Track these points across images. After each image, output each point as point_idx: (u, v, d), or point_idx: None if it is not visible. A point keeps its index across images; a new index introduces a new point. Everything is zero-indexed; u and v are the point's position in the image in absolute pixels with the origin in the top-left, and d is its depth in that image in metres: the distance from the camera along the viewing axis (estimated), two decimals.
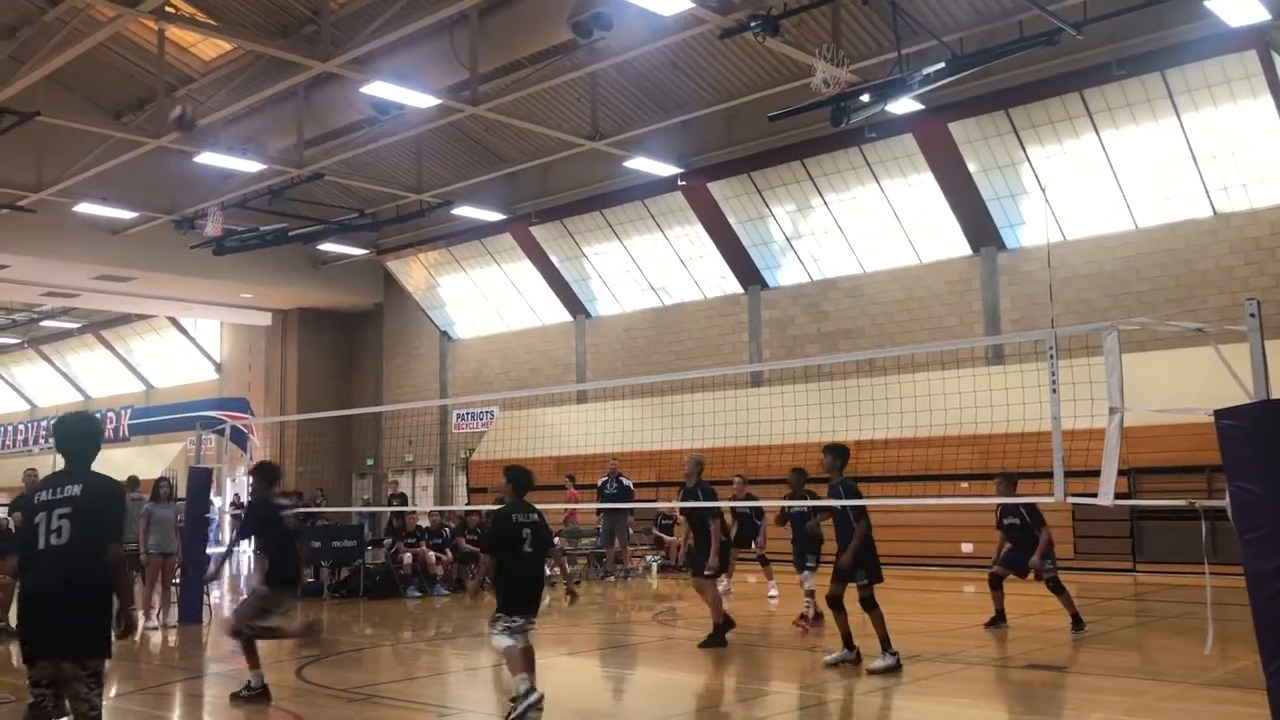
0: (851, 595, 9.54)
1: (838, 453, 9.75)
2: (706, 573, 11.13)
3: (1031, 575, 11.78)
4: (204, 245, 25.05)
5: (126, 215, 26.25)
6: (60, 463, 5.37)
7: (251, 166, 22.64)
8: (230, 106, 20.88)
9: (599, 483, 19.43)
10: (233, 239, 24.62)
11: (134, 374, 43.48)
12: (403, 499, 21.66)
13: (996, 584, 12.13)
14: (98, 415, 5.10)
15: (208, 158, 21.60)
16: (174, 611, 13.70)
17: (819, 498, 11.46)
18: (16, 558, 6.13)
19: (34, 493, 5.22)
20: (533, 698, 7.42)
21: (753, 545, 15.90)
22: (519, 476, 8.01)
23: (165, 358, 41.82)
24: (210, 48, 23.42)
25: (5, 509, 14.66)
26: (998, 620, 12.06)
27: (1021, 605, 13.08)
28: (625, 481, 19.37)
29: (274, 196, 23.28)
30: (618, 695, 9.56)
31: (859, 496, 9.49)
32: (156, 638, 12.64)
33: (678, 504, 12.48)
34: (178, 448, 34.66)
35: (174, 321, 39.53)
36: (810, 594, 12.26)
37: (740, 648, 11.12)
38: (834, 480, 9.72)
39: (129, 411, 39.01)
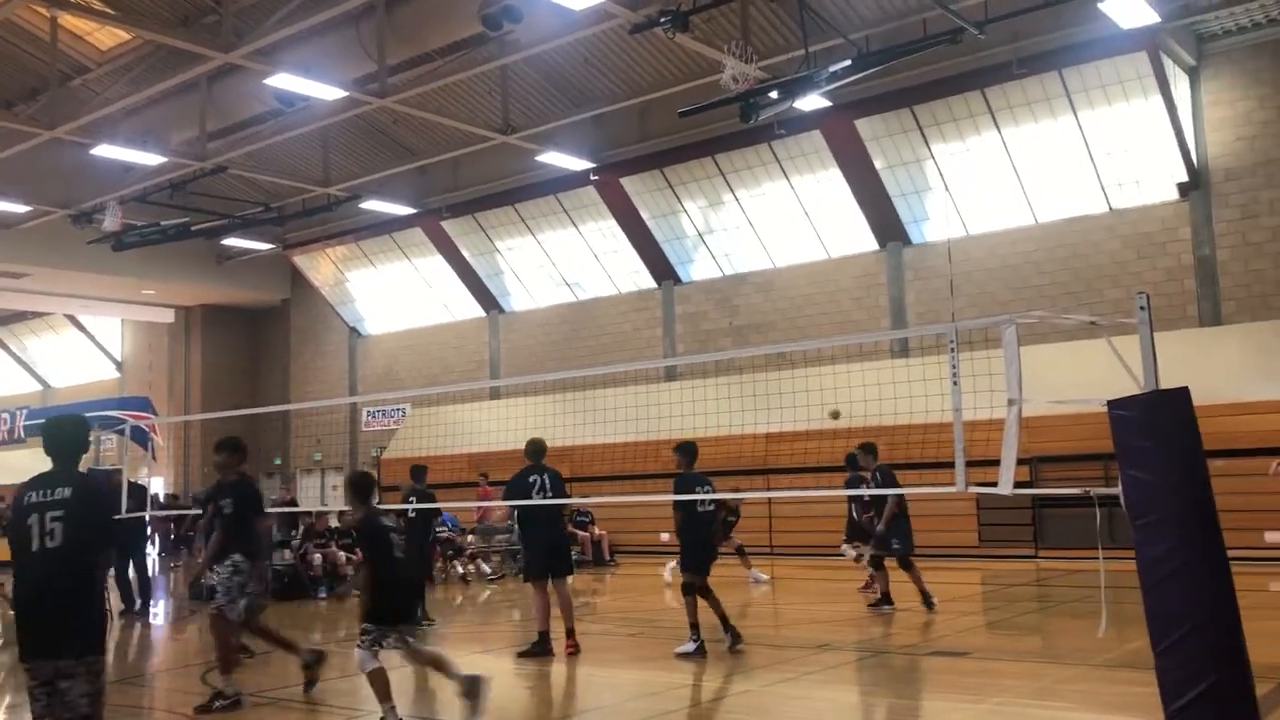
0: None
1: (686, 450, 10.32)
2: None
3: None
4: (102, 240, 24.30)
5: (19, 209, 25.36)
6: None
7: (152, 159, 22.06)
8: (129, 97, 20.29)
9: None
10: (132, 234, 23.92)
11: (30, 373, 42.03)
12: (292, 503, 21.39)
13: (879, 565, 12.78)
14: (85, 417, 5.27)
15: (105, 150, 20.97)
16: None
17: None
18: None
19: (23, 494, 5.14)
20: None
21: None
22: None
23: (63, 356, 40.51)
24: (107, 36, 22.73)
25: None
26: (885, 600, 12.64)
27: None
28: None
29: (175, 190, 22.69)
30: (527, 693, 9.54)
31: (689, 492, 10.06)
32: None
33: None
34: None
35: (72, 319, 38.30)
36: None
37: (656, 640, 11.17)
38: (685, 474, 10.26)
39: (25, 412, 37.60)
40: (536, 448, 10.41)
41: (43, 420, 5.07)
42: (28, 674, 5.07)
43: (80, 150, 22.16)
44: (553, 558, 10.32)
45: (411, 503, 13.30)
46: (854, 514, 14.77)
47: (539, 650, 10.09)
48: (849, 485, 14.24)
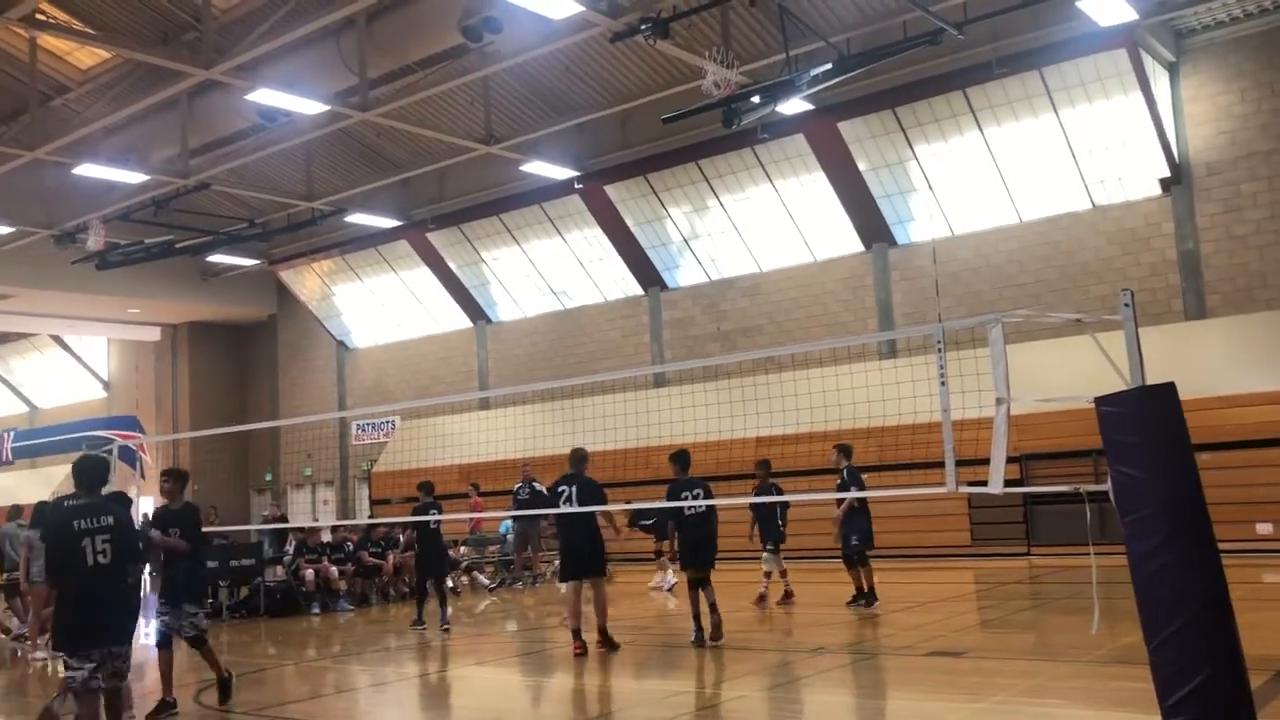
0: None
1: (676, 458, 11.22)
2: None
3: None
4: (86, 260, 24.21)
5: (2, 230, 25.24)
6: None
7: (134, 177, 21.98)
8: (110, 116, 20.20)
9: (515, 488, 19.19)
10: (116, 253, 23.83)
11: (16, 395, 41.81)
12: (282, 519, 21.40)
13: (853, 563, 13.17)
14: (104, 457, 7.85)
15: (87, 169, 20.89)
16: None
17: (783, 490, 13.78)
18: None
19: (69, 520, 6.59)
20: None
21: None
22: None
23: (49, 377, 40.29)
24: (87, 55, 22.66)
25: None
26: (870, 597, 12.95)
27: (921, 591, 13.39)
28: (539, 487, 19.18)
29: (159, 208, 22.61)
30: (530, 703, 9.51)
31: (676, 498, 10.94)
32: (49, 667, 12.15)
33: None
34: (65, 470, 33.40)
35: (58, 339, 38.12)
36: (768, 575, 13.81)
37: (652, 647, 11.17)
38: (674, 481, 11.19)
39: (12, 434, 37.41)
40: (575, 456, 11.05)
41: (74, 463, 7.06)
42: (83, 656, 6.55)
43: (62, 170, 22.07)
44: (576, 560, 10.80)
45: (434, 514, 13.98)
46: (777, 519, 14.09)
47: (578, 650, 10.54)
48: (759, 493, 13.76)
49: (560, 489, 10.81)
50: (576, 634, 10.57)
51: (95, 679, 6.60)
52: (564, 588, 11.19)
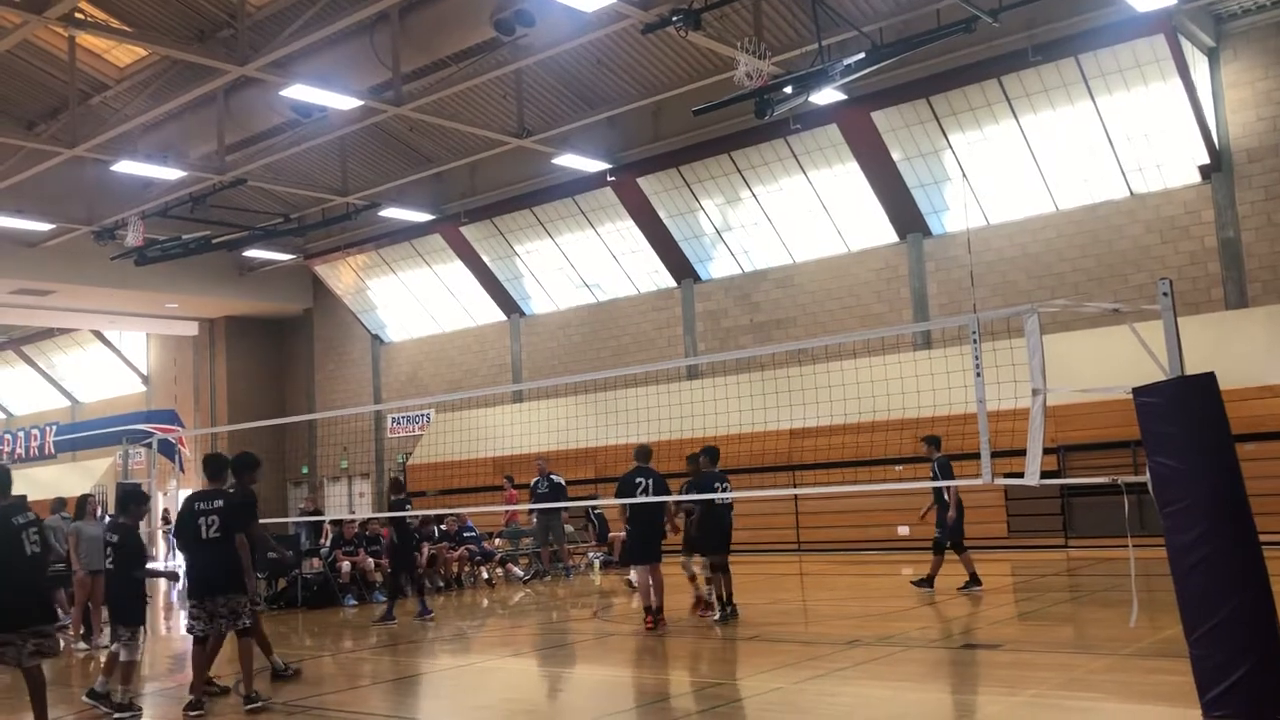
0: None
1: (707, 452, 12.23)
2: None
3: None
4: (125, 256, 24.51)
5: (43, 227, 25.62)
6: None
7: (171, 174, 22.23)
8: (147, 113, 20.42)
9: (532, 483, 19.32)
10: (155, 248, 24.12)
11: (58, 389, 42.43)
12: (316, 512, 21.63)
13: (960, 549, 13.45)
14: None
15: (126, 166, 21.14)
16: (107, 631, 13.33)
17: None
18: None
19: (10, 516, 7.29)
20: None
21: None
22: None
23: (90, 371, 40.87)
24: (124, 53, 22.92)
25: None
26: (927, 583, 13.39)
27: (958, 583, 13.32)
28: (556, 479, 19.27)
29: (196, 204, 22.84)
30: (559, 694, 9.55)
31: (709, 490, 11.76)
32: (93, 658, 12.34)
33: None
34: (106, 463, 33.94)
35: (98, 334, 38.65)
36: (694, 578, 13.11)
37: (679, 638, 11.18)
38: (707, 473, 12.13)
39: (54, 428, 38.09)
40: (644, 452, 11.89)
41: None
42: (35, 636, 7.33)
43: (101, 167, 22.37)
44: (645, 547, 11.67)
45: (408, 508, 14.56)
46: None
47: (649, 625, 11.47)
48: (695, 489, 12.20)
49: (637, 480, 11.54)
50: (655, 610, 11.41)
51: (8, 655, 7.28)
52: (633, 572, 12.46)
